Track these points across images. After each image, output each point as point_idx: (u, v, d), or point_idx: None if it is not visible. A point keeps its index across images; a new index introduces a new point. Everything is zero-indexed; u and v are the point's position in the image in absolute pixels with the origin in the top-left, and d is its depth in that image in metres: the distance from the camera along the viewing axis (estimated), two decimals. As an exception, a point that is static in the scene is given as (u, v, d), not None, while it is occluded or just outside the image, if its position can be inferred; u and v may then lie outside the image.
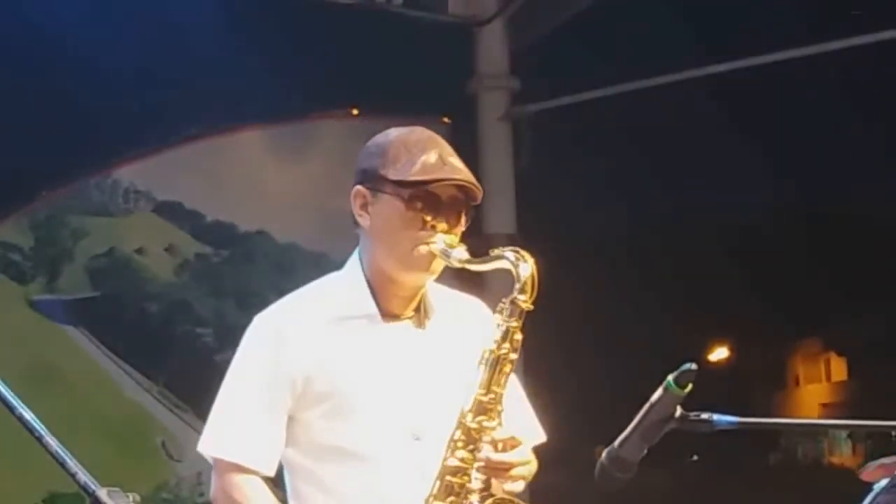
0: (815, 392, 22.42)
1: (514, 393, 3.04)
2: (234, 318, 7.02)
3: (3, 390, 2.09)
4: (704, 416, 2.49)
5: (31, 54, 6.34)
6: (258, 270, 7.40)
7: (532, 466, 2.89)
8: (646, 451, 2.51)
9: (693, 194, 9.76)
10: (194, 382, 7.00)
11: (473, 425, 2.78)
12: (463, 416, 2.78)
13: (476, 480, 2.79)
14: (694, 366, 2.45)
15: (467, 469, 2.77)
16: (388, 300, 2.94)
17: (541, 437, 3.08)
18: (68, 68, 6.32)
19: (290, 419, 2.92)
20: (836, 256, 12.58)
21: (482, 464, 2.78)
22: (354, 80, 7.11)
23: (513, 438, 2.81)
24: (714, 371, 15.29)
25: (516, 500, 2.84)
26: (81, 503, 2.02)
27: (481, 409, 2.78)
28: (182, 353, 7.14)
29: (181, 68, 6.65)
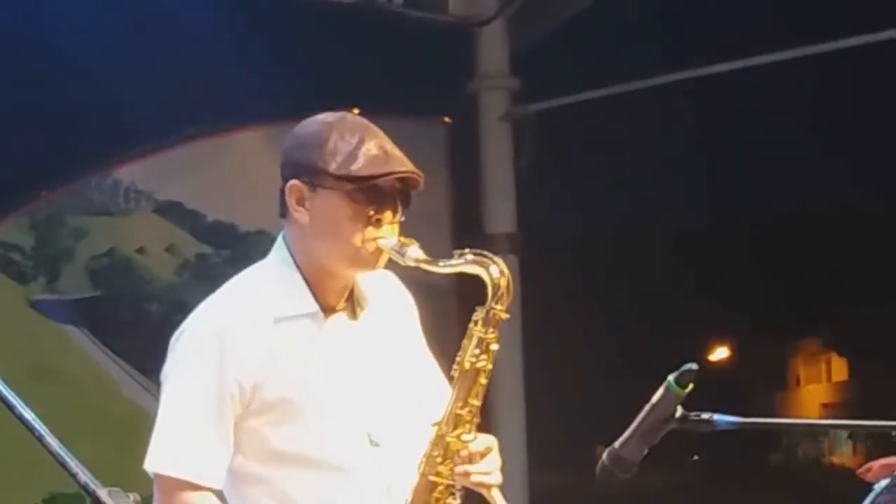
0: (815, 392, 22.41)
1: (427, 361, 3.02)
2: (234, 318, 7.02)
3: (3, 390, 2.08)
4: (705, 416, 2.49)
5: (30, 54, 6.34)
6: (258, 270, 7.39)
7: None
8: (646, 451, 2.52)
9: (693, 194, 9.76)
10: (194, 382, 6.99)
11: (452, 439, 2.73)
12: (440, 430, 2.73)
13: (452, 496, 2.77)
14: (694, 366, 2.46)
15: (447, 484, 2.74)
16: (324, 294, 2.84)
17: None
18: (68, 68, 6.31)
19: (236, 426, 2.80)
20: (836, 256, 12.57)
21: (460, 477, 2.74)
22: (354, 80, 7.10)
23: (486, 448, 2.78)
24: (714, 371, 15.27)
25: None
26: (82, 503, 2.02)
27: (459, 422, 2.74)
28: (182, 353, 7.13)
29: (181, 68, 6.65)
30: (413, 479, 2.77)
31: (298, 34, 6.96)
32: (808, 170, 9.52)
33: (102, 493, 1.97)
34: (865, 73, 7.77)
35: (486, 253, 2.77)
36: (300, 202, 2.81)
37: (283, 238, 2.90)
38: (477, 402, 2.75)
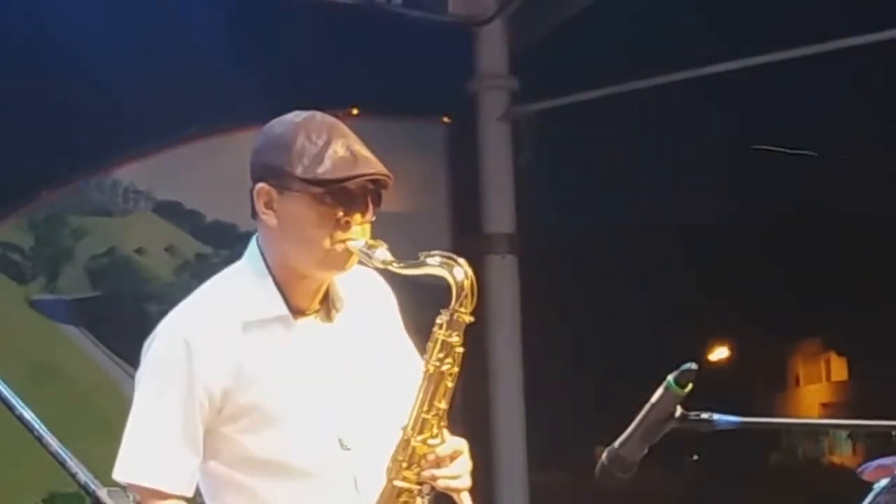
0: (815, 392, 22.40)
1: (408, 354, 2.99)
2: (233, 318, 7.03)
3: (3, 390, 2.09)
4: (705, 415, 2.49)
5: (30, 54, 6.34)
6: (258, 270, 7.39)
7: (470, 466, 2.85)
8: (646, 451, 2.52)
9: (693, 194, 9.76)
10: (194, 382, 7.01)
11: (417, 444, 2.72)
12: (406, 434, 2.72)
13: (419, 499, 2.75)
14: (694, 365, 2.45)
15: (418, 490, 2.73)
16: (295, 297, 2.83)
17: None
18: (68, 68, 6.31)
19: (209, 432, 2.78)
20: (836, 256, 12.57)
21: (427, 483, 2.74)
22: (354, 80, 7.10)
23: (455, 451, 2.77)
24: (714, 371, 15.27)
25: None
26: (81, 503, 2.02)
27: (424, 426, 2.72)
28: (182, 353, 7.13)
29: (181, 68, 6.65)
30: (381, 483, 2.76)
31: (298, 34, 6.96)
32: (809, 170, 9.52)
33: (102, 492, 1.98)
34: (867, 73, 7.76)
35: (452, 255, 2.75)
36: (268, 205, 2.83)
37: (256, 240, 2.90)
38: (443, 406, 2.74)
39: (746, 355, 17.09)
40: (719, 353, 16.73)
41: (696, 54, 7.43)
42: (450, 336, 2.73)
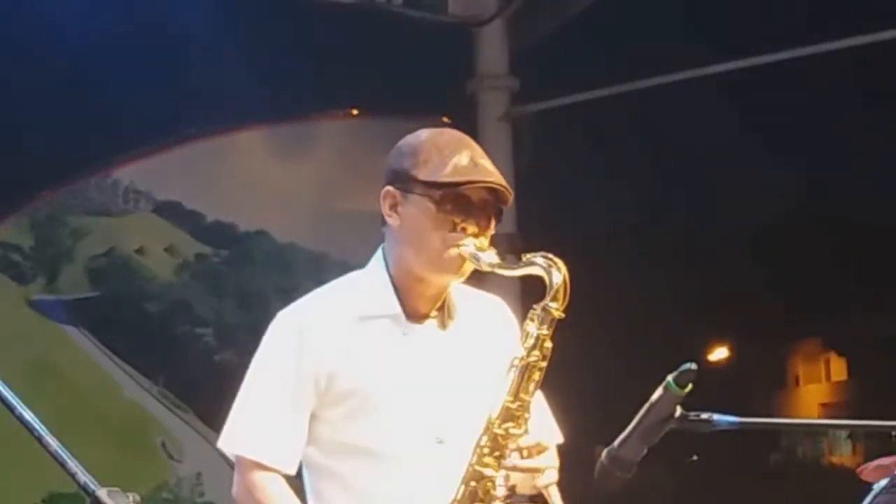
0: (814, 392, 22.43)
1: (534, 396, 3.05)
2: (233, 318, 7.02)
3: (3, 390, 2.09)
4: (704, 416, 2.49)
5: (31, 54, 6.34)
6: (258, 270, 7.39)
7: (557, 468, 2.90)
8: (645, 451, 2.52)
9: (693, 194, 9.77)
10: (194, 382, 7.01)
11: (500, 432, 2.78)
12: (490, 422, 2.78)
13: (500, 488, 2.80)
14: (694, 366, 2.46)
15: (492, 476, 2.78)
16: (412, 300, 2.94)
17: (558, 438, 3.08)
18: (68, 68, 6.32)
19: (312, 417, 2.91)
20: (836, 256, 12.58)
21: (507, 470, 2.79)
22: (354, 80, 7.11)
23: (538, 444, 2.82)
24: (714, 371, 15.28)
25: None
26: (81, 503, 2.02)
27: (508, 416, 2.78)
28: (182, 352, 7.14)
29: (181, 68, 6.65)
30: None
31: (298, 34, 6.96)
32: (808, 171, 9.53)
33: (102, 493, 1.98)
34: (867, 74, 7.77)
35: (552, 257, 2.86)
36: (393, 207, 2.93)
37: (382, 247, 3.01)
38: (527, 398, 2.80)
39: (746, 355, 17.10)
40: (719, 353, 16.74)
41: (695, 54, 7.43)
42: (539, 329, 2.80)
